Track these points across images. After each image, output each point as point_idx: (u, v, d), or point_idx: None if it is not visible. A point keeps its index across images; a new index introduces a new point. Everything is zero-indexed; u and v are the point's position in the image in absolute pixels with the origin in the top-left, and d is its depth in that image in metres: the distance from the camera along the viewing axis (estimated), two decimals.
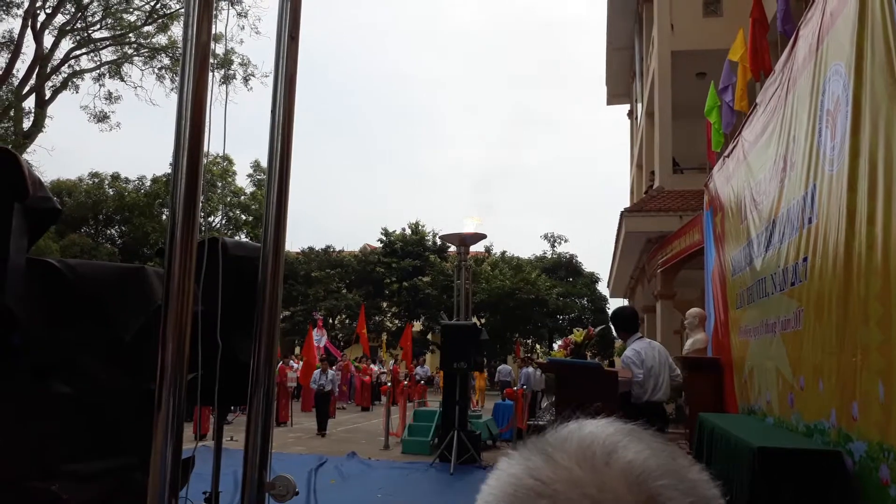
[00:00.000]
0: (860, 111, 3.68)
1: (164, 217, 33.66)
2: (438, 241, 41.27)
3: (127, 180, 33.48)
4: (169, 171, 32.87)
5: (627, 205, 22.39)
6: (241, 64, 23.59)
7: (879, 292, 3.45)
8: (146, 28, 23.77)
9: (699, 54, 13.94)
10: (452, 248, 36.98)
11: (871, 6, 3.52)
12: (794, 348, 5.13)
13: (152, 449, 1.84)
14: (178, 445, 1.89)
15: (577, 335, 6.90)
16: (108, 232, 35.28)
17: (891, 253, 3.32)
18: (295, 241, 44.30)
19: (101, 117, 24.36)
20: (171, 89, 23.35)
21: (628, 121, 27.17)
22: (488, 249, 42.12)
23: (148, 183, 33.37)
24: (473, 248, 12.31)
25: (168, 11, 23.36)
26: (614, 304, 46.74)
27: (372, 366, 25.42)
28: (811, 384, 4.69)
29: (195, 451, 2.48)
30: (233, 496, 2.35)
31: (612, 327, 5.71)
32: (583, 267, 43.99)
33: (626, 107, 27.35)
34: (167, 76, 23.59)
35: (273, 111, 2.33)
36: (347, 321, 40.60)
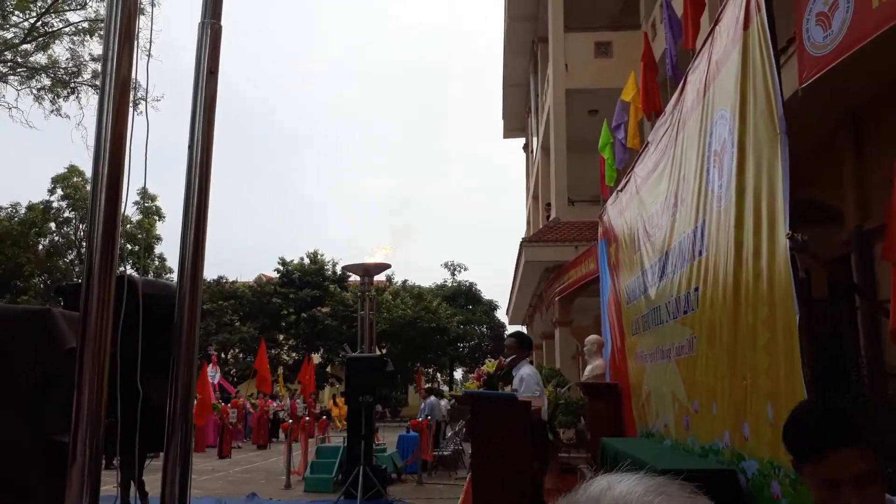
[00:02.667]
0: (744, 153, 4.01)
1: (40, 247, 31.39)
2: (339, 271, 40.77)
3: None
4: (48, 197, 30.71)
5: (524, 235, 23.07)
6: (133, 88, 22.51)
7: (766, 319, 3.73)
8: (24, 46, 22.32)
9: (591, 92, 14.71)
10: (353, 278, 36.67)
11: (752, 58, 3.86)
12: (688, 373, 5.43)
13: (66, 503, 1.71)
14: (95, 499, 1.76)
15: (490, 366, 7.02)
16: None
17: (775, 284, 3.61)
18: None
19: None
20: (52, 111, 21.94)
21: (524, 154, 28.11)
22: (389, 278, 42.05)
23: (22, 210, 31.08)
24: (375, 278, 12.25)
25: (49, 30, 22.06)
26: (513, 331, 47.56)
27: (269, 400, 24.57)
28: (705, 407, 4.98)
29: None
30: None
31: (516, 345, 5.87)
32: (482, 295, 44.71)
33: (522, 140, 28.30)
34: (47, 97, 22.18)
35: (191, 146, 2.26)
36: (241, 355, 39.16)
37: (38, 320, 2.11)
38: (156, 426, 2.42)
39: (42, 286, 30.52)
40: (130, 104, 1.91)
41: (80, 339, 1.80)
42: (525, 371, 5.77)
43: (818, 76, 3.44)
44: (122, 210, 1.92)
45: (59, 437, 2.01)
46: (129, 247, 30.79)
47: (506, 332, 42.46)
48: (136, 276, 2.67)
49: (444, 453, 14.28)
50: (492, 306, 43.98)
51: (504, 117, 27.51)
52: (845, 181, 5.51)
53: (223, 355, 37.42)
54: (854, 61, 3.38)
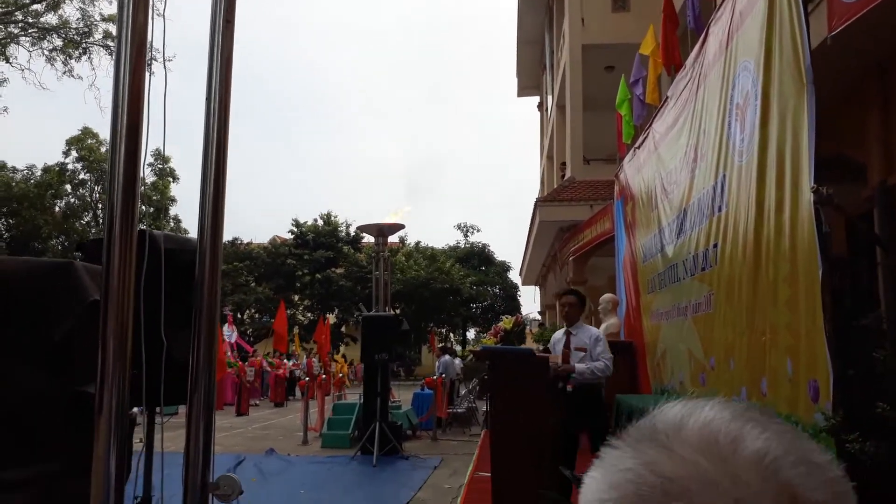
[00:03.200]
0: (769, 105, 3.92)
1: (56, 209, 31.63)
2: (352, 232, 40.87)
3: (14, 169, 31.20)
4: (63, 159, 30.85)
5: (538, 195, 22.93)
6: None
7: (788, 275, 3.69)
8: (34, 6, 22.15)
9: (608, 48, 14.41)
10: (367, 239, 36.75)
11: (779, 7, 3.74)
12: (705, 330, 5.42)
13: (94, 454, 1.74)
14: (122, 450, 1.79)
15: (507, 322, 7.04)
16: None
17: (798, 239, 3.56)
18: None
19: None
20: (64, 72, 21.87)
21: (538, 113, 27.76)
22: (402, 240, 42.11)
23: (38, 172, 31.26)
24: (389, 240, 12.26)
25: None
26: (526, 291, 47.82)
27: (285, 361, 24.92)
28: (722, 363, 4.98)
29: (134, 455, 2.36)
30: (169, 499, 2.25)
31: (578, 303, 5.68)
32: (495, 256, 44.73)
33: (537, 98, 27.92)
34: (59, 58, 22.08)
35: (208, 98, 2.23)
36: (257, 315, 39.60)
37: (62, 273, 2.12)
38: (178, 379, 2.44)
39: (60, 248, 30.85)
40: (147, 63, 1.88)
41: (103, 293, 1.80)
42: (595, 331, 5.63)
43: (848, 24, 3.33)
44: (143, 162, 1.91)
45: (87, 388, 2.04)
46: (143, 209, 30.96)
47: (518, 293, 42.60)
48: (157, 231, 2.67)
49: (458, 410, 14.48)
50: (504, 267, 44.04)
51: (518, 75, 27.09)
52: (870, 135, 5.38)
53: (239, 315, 37.85)
54: (885, 7, 3.27)
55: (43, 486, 2.20)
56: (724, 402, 0.48)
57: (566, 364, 5.14)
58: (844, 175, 5.70)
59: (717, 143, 4.91)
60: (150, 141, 2.17)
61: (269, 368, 23.04)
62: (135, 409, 2.47)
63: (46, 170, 31.21)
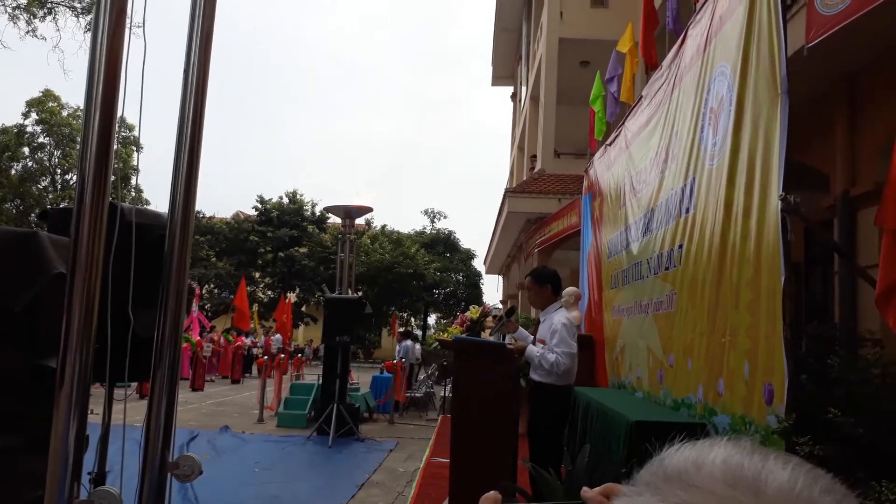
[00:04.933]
0: (742, 111, 3.98)
1: (13, 172, 30.61)
2: (318, 212, 40.48)
3: None
4: (21, 121, 29.81)
5: (507, 185, 22.98)
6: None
7: (751, 280, 3.77)
8: None
9: (585, 43, 14.47)
10: (332, 220, 36.43)
11: (758, 14, 3.80)
12: (665, 328, 5.51)
13: (53, 430, 1.69)
14: (82, 427, 1.74)
15: (473, 312, 7.04)
16: None
17: (763, 244, 3.64)
18: (159, 205, 41.86)
19: None
20: (27, 32, 21.07)
21: (511, 103, 27.78)
22: (369, 223, 41.87)
23: None
24: (355, 222, 12.17)
25: None
26: (489, 280, 48.03)
27: (243, 338, 24.65)
28: (680, 362, 5.07)
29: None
30: (127, 477, 2.20)
31: (549, 285, 5.11)
32: (460, 243, 44.79)
33: (511, 89, 27.93)
34: (22, 17, 21.23)
35: (186, 70, 2.17)
36: (216, 291, 39.04)
37: (25, 243, 2.04)
38: (141, 356, 2.39)
39: (14, 211, 29.90)
40: (127, 27, 1.81)
41: (70, 265, 1.75)
42: (559, 319, 4.92)
43: (824, 36, 3.39)
44: (117, 134, 1.85)
45: (48, 362, 1.98)
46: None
47: (481, 282, 42.81)
48: (127, 204, 2.60)
49: (416, 395, 14.53)
50: (469, 255, 44.13)
51: (493, 64, 27.04)
52: (836, 146, 5.52)
53: (194, 289, 37.24)
54: (860, 22, 3.33)
55: (2, 460, 2.13)
56: (733, 440, 0.48)
57: (521, 344, 4.90)
58: (806, 183, 5.83)
59: (689, 145, 4.97)
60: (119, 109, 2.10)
61: (224, 345, 22.75)
62: None
63: (3, 131, 30.13)
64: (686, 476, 0.45)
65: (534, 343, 5.02)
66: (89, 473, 2.58)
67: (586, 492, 0.62)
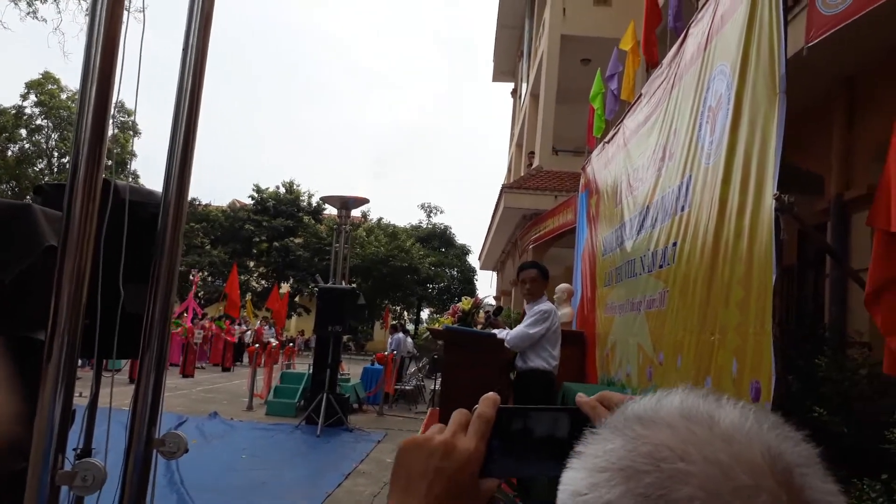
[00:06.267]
0: (740, 110, 3.98)
1: (9, 153, 30.47)
2: (314, 203, 40.43)
3: None
4: (20, 102, 29.67)
5: (504, 181, 22.99)
6: None
7: (742, 277, 3.78)
8: None
9: (587, 40, 14.46)
10: (328, 211, 36.36)
11: (759, 14, 3.80)
12: (656, 325, 5.53)
13: (39, 403, 1.68)
14: (68, 400, 1.74)
15: (465, 303, 7.02)
16: None
17: (756, 243, 3.64)
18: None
19: None
20: (28, 13, 20.93)
21: (511, 99, 27.76)
22: (365, 215, 41.85)
23: None
24: (351, 213, 12.15)
25: None
26: (483, 276, 48.06)
27: (235, 325, 24.62)
28: (670, 360, 5.09)
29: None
30: (112, 458, 2.20)
31: (540, 276, 5.31)
32: (455, 239, 44.84)
33: (511, 85, 27.90)
34: None
35: (185, 49, 2.16)
36: (210, 278, 38.99)
37: (18, 215, 2.03)
38: (131, 333, 2.39)
39: (10, 193, 29.76)
40: (126, 9, 1.80)
41: (62, 239, 1.74)
42: (539, 307, 5.24)
43: (824, 36, 3.39)
44: (112, 110, 1.84)
45: (36, 334, 1.97)
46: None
47: (475, 277, 42.83)
48: (122, 181, 2.59)
49: (406, 388, 14.55)
50: (464, 251, 44.19)
51: (495, 59, 27.00)
52: (832, 148, 5.53)
53: (191, 278, 37.23)
54: (860, 24, 3.34)
55: None
56: (690, 389, 0.50)
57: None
58: (802, 186, 5.85)
59: (687, 143, 4.97)
60: (117, 93, 2.09)
61: (217, 332, 22.73)
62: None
63: (1, 112, 29.98)
64: (645, 415, 0.47)
65: None
66: (74, 449, 2.57)
67: (581, 397, 0.64)
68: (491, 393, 0.64)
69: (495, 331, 4.97)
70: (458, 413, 0.65)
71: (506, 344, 4.82)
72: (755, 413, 0.47)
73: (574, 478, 0.47)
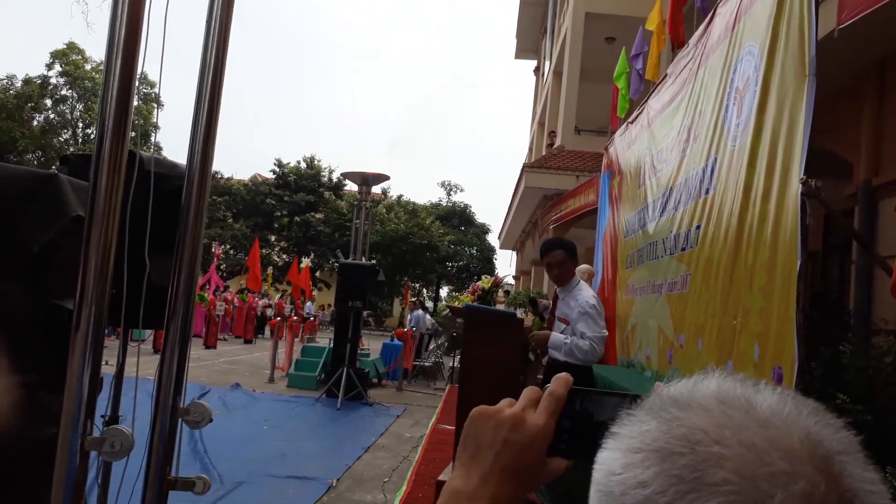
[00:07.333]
0: (768, 92, 3.92)
1: (35, 123, 30.83)
2: (335, 178, 40.52)
3: None
4: (45, 72, 29.93)
5: (525, 161, 22.85)
6: None
7: (766, 262, 3.75)
8: None
9: (612, 18, 14.23)
10: (349, 187, 36.44)
11: None
12: (678, 308, 5.51)
13: (68, 370, 1.73)
14: (97, 368, 1.79)
15: (485, 282, 7.06)
16: None
17: (780, 228, 3.61)
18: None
19: None
20: None
21: (534, 77, 27.47)
22: (385, 192, 41.90)
23: (18, 83, 30.34)
24: (372, 190, 12.16)
25: None
26: (502, 255, 48.00)
27: (257, 299, 24.90)
28: (691, 342, 5.07)
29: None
30: (138, 426, 2.26)
31: (568, 257, 4.47)
32: (475, 217, 44.74)
33: (534, 62, 27.60)
34: None
35: (209, 21, 2.17)
36: (232, 252, 39.39)
37: (46, 184, 2.07)
38: (156, 304, 2.43)
39: (35, 162, 30.19)
40: None
41: (88, 209, 1.78)
42: (585, 297, 4.29)
43: (857, 18, 3.32)
44: (137, 79, 1.86)
45: (64, 303, 2.02)
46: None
47: (494, 256, 42.76)
48: (146, 153, 2.62)
49: (425, 364, 14.66)
50: (484, 229, 44.10)
51: (518, 36, 26.68)
52: (862, 133, 5.43)
53: (213, 250, 37.66)
54: (893, 5, 3.26)
55: (21, 395, 2.19)
56: (725, 374, 0.50)
57: (542, 331, 4.52)
58: (829, 171, 5.76)
59: (713, 125, 4.91)
60: (141, 66, 2.11)
61: (237, 304, 23.01)
62: None
63: (27, 81, 30.30)
64: (681, 398, 0.48)
65: (552, 319, 4.58)
66: (102, 416, 2.64)
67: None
68: (564, 373, 0.65)
69: (559, 337, 4.26)
70: (530, 389, 0.66)
71: (589, 356, 4.18)
72: (794, 398, 0.46)
73: (609, 458, 0.48)
